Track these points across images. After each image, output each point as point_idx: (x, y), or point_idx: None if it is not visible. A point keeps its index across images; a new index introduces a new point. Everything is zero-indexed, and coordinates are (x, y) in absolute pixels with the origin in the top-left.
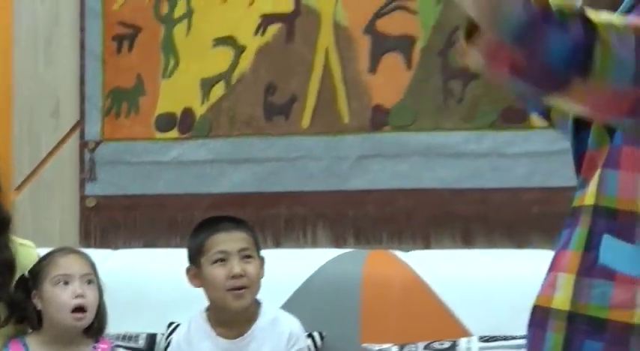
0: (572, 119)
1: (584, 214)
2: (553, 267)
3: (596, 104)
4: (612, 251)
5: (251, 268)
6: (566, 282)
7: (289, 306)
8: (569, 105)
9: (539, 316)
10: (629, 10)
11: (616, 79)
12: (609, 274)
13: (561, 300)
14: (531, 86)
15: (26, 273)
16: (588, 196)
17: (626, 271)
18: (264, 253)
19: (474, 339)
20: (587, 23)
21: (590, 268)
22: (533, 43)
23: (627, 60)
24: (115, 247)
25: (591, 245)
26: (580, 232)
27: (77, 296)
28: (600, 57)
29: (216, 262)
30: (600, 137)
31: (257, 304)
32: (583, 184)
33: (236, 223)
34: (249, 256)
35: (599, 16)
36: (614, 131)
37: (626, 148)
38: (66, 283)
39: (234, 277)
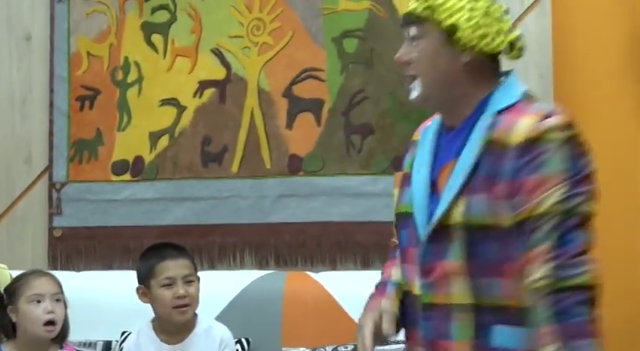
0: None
1: (456, 311)
2: None
3: None
4: (506, 336)
5: (192, 289)
6: None
7: (222, 317)
8: None
9: None
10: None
11: None
12: None
13: None
14: None
15: (1, 290)
16: (457, 296)
17: (524, 346)
18: (201, 274)
19: None
20: None
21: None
22: None
23: None
24: (78, 269)
25: (479, 334)
26: (460, 326)
27: (49, 312)
28: None
29: (164, 285)
30: (463, 253)
31: (194, 316)
32: (432, 285)
33: (179, 250)
34: (190, 281)
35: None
36: (476, 248)
37: (507, 264)
38: (39, 301)
39: (179, 297)
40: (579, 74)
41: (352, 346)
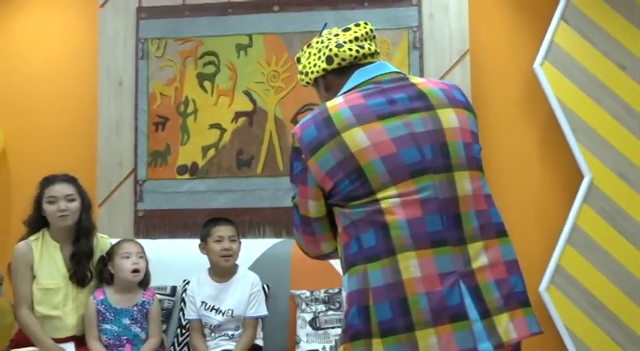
0: None
1: None
2: None
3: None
4: None
5: (234, 245)
6: None
7: (252, 268)
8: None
9: None
10: (300, 171)
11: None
12: None
13: None
14: None
15: (104, 253)
16: None
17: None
18: None
19: None
20: None
21: None
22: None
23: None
24: (154, 238)
25: None
26: None
27: (134, 263)
28: None
29: (216, 241)
30: None
31: (236, 266)
32: None
33: (227, 221)
34: (234, 240)
35: None
36: None
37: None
38: (128, 257)
39: (225, 249)
40: (491, 108)
41: (337, 289)
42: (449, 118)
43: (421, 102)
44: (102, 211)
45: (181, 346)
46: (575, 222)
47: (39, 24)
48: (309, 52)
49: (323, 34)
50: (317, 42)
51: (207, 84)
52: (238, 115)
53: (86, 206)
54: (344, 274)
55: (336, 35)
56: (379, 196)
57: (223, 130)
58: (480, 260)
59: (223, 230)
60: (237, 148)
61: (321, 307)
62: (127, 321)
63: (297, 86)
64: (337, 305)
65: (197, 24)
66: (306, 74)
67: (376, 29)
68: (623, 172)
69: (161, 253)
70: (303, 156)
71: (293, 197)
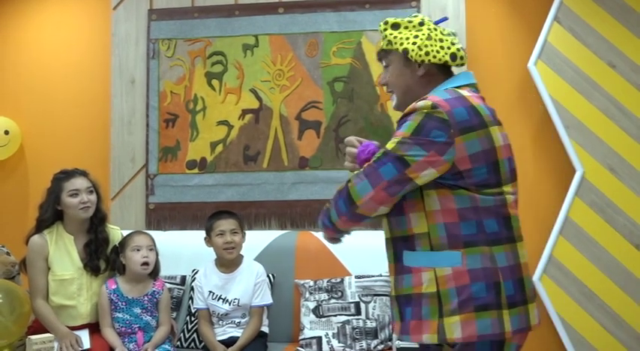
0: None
1: (387, 242)
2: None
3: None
4: (407, 257)
5: (236, 238)
6: (391, 280)
7: (258, 259)
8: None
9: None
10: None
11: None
12: (408, 270)
13: (391, 289)
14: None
15: (117, 244)
16: (385, 232)
17: (413, 265)
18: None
19: (352, 277)
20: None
21: (400, 269)
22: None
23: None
24: (165, 230)
25: (397, 258)
26: (389, 253)
27: (144, 257)
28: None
29: (218, 235)
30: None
31: (241, 256)
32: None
33: (229, 214)
34: (235, 232)
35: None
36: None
37: (406, 202)
38: (138, 250)
39: (226, 242)
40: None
41: (340, 279)
42: (501, 135)
43: (494, 118)
44: (115, 204)
45: (191, 332)
46: (567, 214)
47: (54, 26)
48: (428, 34)
49: (440, 24)
50: (434, 29)
51: (215, 82)
52: (245, 112)
53: (100, 197)
54: (442, 249)
55: (450, 35)
56: (504, 189)
57: (231, 127)
58: (524, 257)
59: (224, 224)
60: (243, 144)
61: (324, 296)
62: (138, 310)
63: (301, 84)
64: (339, 294)
65: (206, 25)
66: (427, 53)
67: (377, 30)
68: (613, 166)
69: (171, 244)
70: (452, 131)
71: (405, 156)
